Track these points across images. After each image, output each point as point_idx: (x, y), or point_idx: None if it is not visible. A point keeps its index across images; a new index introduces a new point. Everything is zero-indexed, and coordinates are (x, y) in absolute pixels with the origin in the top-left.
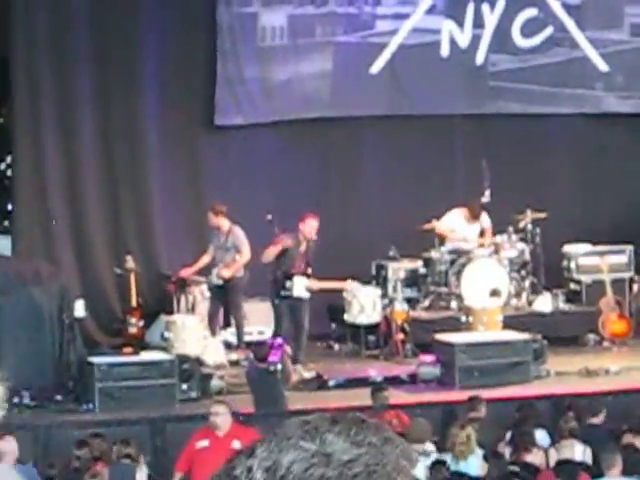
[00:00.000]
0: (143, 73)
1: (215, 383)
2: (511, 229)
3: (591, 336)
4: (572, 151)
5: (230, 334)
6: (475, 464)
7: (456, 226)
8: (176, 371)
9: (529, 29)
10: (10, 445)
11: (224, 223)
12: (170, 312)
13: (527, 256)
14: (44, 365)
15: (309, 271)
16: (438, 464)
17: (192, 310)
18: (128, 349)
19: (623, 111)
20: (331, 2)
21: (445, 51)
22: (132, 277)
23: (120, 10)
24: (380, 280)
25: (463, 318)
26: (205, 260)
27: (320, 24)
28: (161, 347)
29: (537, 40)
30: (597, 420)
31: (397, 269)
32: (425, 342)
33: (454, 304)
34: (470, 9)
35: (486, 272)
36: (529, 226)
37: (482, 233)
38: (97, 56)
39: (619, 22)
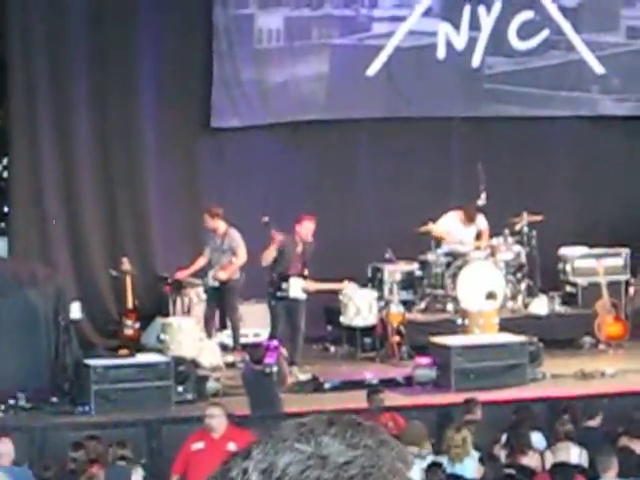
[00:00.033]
0: (140, 74)
1: (211, 385)
2: (507, 232)
3: (587, 339)
4: (568, 154)
5: (226, 336)
6: (471, 467)
7: (452, 229)
8: (172, 373)
9: (525, 32)
10: (6, 447)
11: (220, 225)
12: (166, 314)
13: (523, 259)
14: (40, 367)
15: (306, 272)
16: (434, 466)
17: (188, 312)
18: (124, 351)
19: (619, 114)
20: (327, 4)
21: (441, 54)
22: (128, 279)
23: (117, 11)
24: (376, 282)
25: (459, 321)
26: (201, 262)
27: (316, 26)
28: (157, 349)
29: (533, 43)
30: (594, 423)
31: (393, 271)
32: (421, 344)
33: (450, 307)
34: (466, 12)
35: (482, 275)
36: (525, 229)
37: (479, 235)
38: (94, 57)
39: (615, 25)
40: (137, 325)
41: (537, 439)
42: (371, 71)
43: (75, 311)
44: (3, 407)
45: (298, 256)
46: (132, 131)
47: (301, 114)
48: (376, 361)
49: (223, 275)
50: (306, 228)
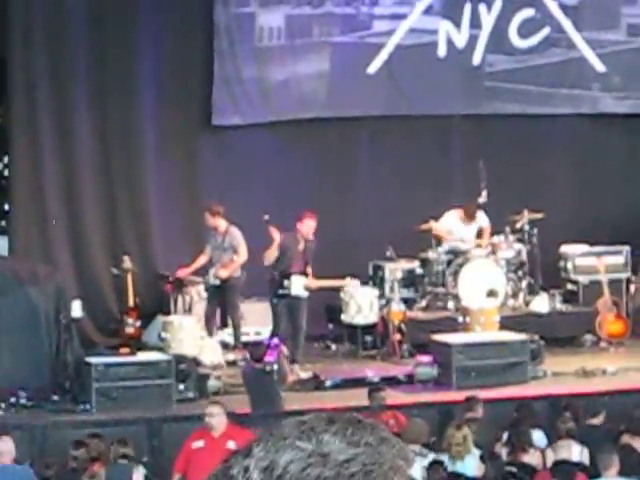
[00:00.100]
0: (140, 73)
1: (212, 383)
2: (508, 229)
3: (588, 337)
4: (569, 151)
5: (227, 334)
6: (472, 464)
7: (453, 227)
8: (173, 371)
9: (526, 29)
10: (7, 445)
11: (221, 223)
12: (167, 312)
13: (524, 257)
14: (41, 365)
15: (308, 270)
16: (435, 464)
17: (189, 310)
18: (125, 349)
19: (620, 111)
20: (328, 2)
21: (442, 51)
22: (129, 277)
23: (117, 10)
24: (377, 280)
25: (460, 318)
26: (202, 260)
27: (317, 24)
28: (158, 347)
29: (534, 40)
30: (597, 421)
31: (394, 269)
32: (422, 342)
33: (451, 304)
34: (467, 9)
35: (483, 272)
36: (526, 226)
37: (480, 233)
38: (94, 56)
39: (616, 22)
40: (138, 323)
41: (538, 437)
42: (372, 69)
43: (76, 309)
44: (4, 405)
45: (300, 254)
46: (133, 129)
47: (302, 112)
48: (377, 359)
49: (224, 273)
50: (307, 226)
